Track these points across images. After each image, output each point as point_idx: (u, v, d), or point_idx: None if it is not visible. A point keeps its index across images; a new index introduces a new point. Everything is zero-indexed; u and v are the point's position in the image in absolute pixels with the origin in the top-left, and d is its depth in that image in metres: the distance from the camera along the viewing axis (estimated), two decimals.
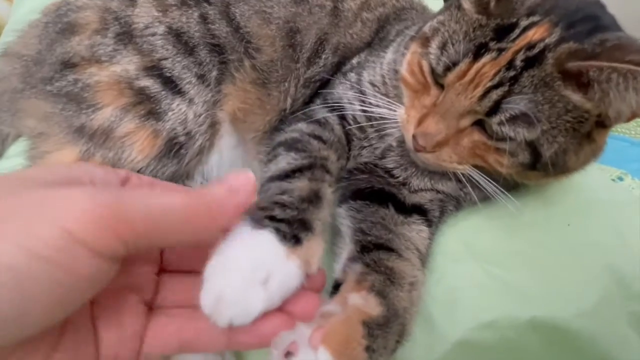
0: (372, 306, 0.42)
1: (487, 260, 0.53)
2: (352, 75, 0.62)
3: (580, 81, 0.43)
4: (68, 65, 0.55)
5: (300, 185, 0.45)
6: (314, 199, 0.44)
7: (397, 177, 0.57)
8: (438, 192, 0.57)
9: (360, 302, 0.42)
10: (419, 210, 0.56)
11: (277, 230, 0.39)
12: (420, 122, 0.50)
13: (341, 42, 0.66)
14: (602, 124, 0.47)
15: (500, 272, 0.52)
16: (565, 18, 0.45)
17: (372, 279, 0.45)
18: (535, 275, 0.53)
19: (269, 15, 0.63)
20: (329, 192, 0.47)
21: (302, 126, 0.57)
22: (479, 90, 0.45)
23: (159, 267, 0.40)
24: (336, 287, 0.47)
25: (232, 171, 0.35)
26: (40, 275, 0.26)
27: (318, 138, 0.55)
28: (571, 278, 0.53)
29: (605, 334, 0.52)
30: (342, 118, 0.60)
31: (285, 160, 0.50)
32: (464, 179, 0.52)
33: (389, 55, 0.62)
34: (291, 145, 0.53)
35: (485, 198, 0.57)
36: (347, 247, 0.51)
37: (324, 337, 0.38)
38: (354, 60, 0.65)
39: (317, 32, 0.65)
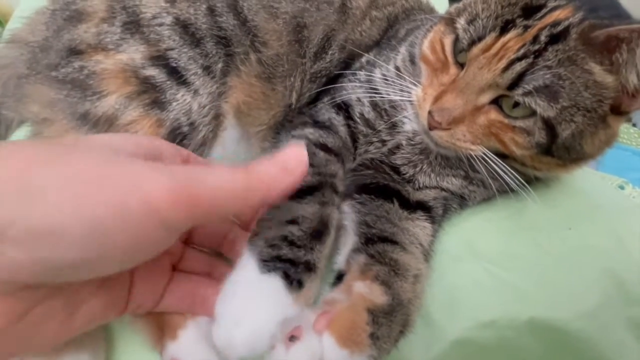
0: (377, 295, 0.42)
1: (487, 260, 0.53)
2: (362, 74, 0.62)
3: (607, 47, 0.45)
4: (74, 52, 0.55)
5: (311, 211, 0.46)
6: (322, 229, 0.45)
7: (404, 174, 0.58)
8: (443, 189, 0.57)
9: (365, 290, 0.43)
10: (423, 207, 0.56)
11: (286, 276, 0.41)
12: (437, 99, 0.51)
13: (349, 39, 0.66)
14: (618, 110, 0.48)
15: (500, 272, 0.52)
16: (588, 3, 0.47)
17: (376, 269, 0.45)
18: (535, 276, 0.53)
19: (276, 9, 0.63)
20: (336, 216, 0.48)
21: (308, 132, 0.57)
22: (503, 63, 0.47)
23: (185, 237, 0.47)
24: (339, 278, 0.47)
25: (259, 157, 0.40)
26: (118, 233, 0.30)
27: (324, 147, 0.55)
28: (571, 281, 0.53)
29: (602, 338, 0.52)
30: (349, 118, 0.60)
31: None
32: (477, 165, 0.52)
33: (403, 50, 0.63)
34: None
35: (490, 197, 0.58)
36: (350, 240, 0.51)
37: (329, 323, 0.38)
38: (363, 59, 0.65)
39: (325, 28, 0.65)
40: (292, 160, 0.36)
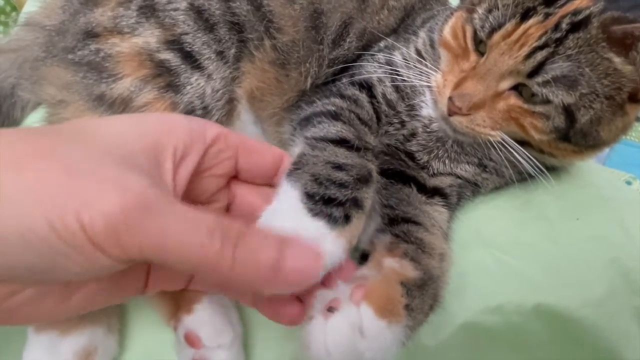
0: (408, 269, 0.43)
1: (496, 247, 0.54)
2: (381, 56, 0.63)
3: (623, 43, 0.46)
4: (91, 35, 0.56)
5: (358, 161, 0.45)
6: (368, 177, 0.45)
7: (419, 160, 0.58)
8: (457, 177, 0.58)
9: (396, 265, 0.43)
10: (440, 194, 0.56)
11: (331, 218, 0.40)
12: (457, 85, 0.51)
13: (367, 28, 0.66)
14: (635, 98, 0.49)
15: (508, 260, 0.53)
16: None
17: (404, 247, 0.46)
18: (542, 264, 0.53)
19: None
20: (375, 174, 0.47)
21: (337, 101, 0.57)
22: (525, 50, 0.47)
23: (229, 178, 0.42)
24: (363, 257, 0.48)
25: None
26: (41, 247, 0.27)
27: (356, 115, 0.55)
28: (577, 269, 0.54)
29: (608, 326, 0.53)
30: (372, 96, 0.60)
31: (335, 128, 0.49)
32: (495, 151, 0.52)
33: (423, 34, 0.63)
34: (334, 116, 0.52)
35: (502, 185, 0.58)
36: (373, 221, 0.51)
37: (365, 295, 0.38)
38: (382, 44, 0.65)
39: (342, 15, 0.64)
40: (300, 263, 0.31)
